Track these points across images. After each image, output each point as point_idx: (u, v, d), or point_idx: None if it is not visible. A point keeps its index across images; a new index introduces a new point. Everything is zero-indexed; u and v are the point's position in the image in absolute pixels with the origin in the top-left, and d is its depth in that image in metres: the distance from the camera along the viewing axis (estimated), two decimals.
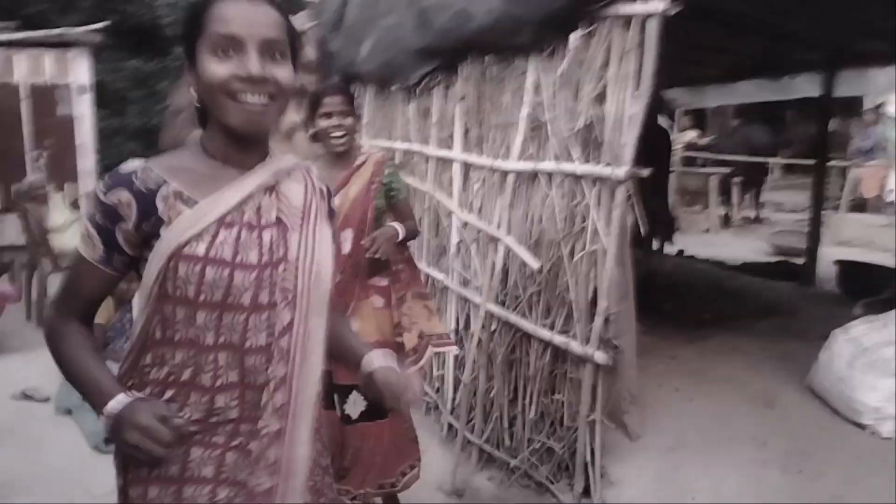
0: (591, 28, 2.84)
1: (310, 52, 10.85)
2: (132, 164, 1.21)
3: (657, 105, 8.00)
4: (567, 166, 2.97)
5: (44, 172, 6.60)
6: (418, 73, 4.17)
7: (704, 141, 12.01)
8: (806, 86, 6.89)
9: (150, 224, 1.18)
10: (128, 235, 1.19)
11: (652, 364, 3.78)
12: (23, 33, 6.53)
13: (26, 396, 4.36)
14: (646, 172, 2.73)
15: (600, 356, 2.78)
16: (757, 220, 11.10)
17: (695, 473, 2.85)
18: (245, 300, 1.21)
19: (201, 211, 1.19)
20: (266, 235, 1.24)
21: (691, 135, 12.21)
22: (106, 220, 1.18)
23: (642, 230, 2.97)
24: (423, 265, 4.23)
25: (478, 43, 3.55)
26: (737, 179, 10.80)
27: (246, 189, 1.23)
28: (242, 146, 1.25)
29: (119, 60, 14.63)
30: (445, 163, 4.08)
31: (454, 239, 3.90)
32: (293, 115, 10.88)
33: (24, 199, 5.89)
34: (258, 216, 1.24)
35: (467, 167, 3.85)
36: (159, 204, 1.18)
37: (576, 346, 2.87)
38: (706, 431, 3.11)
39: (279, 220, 1.26)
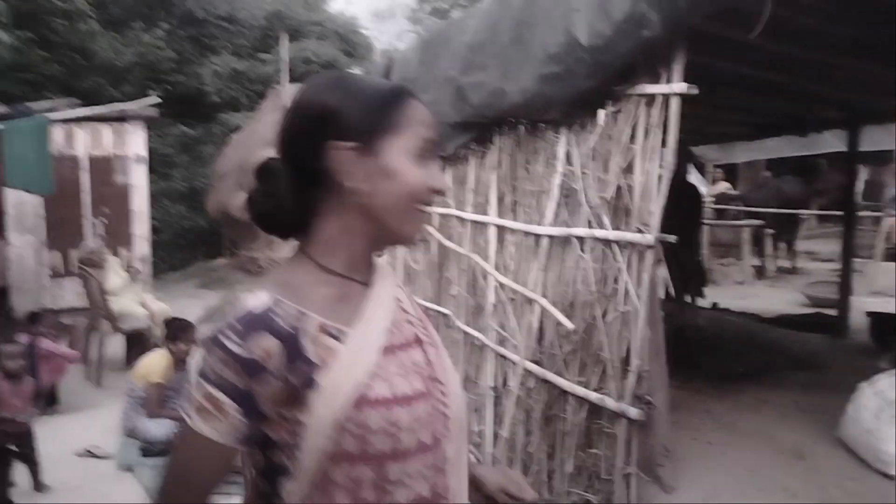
0: (618, 106, 3.09)
1: None
2: (261, 299, 0.96)
3: (686, 161, 8.23)
4: (599, 232, 3.19)
5: (101, 239, 7.00)
6: (455, 144, 4.45)
7: (735, 193, 12.13)
8: (833, 141, 7.06)
9: (297, 373, 0.94)
10: (274, 394, 0.93)
11: (685, 418, 3.90)
12: (85, 109, 7.03)
13: (90, 454, 4.60)
14: (673, 239, 2.93)
15: (634, 412, 2.94)
16: (793, 270, 11.10)
17: None
18: (426, 437, 1.02)
19: (361, 343, 0.99)
20: (416, 356, 1.08)
21: (722, 187, 12.34)
22: (244, 379, 0.91)
23: (671, 290, 3.15)
24: (460, 324, 4.45)
25: (511, 117, 3.83)
26: (769, 231, 10.86)
27: (389, 306, 1.06)
28: (372, 257, 1.09)
29: (166, 127, 15.38)
30: (481, 226, 4.32)
31: (491, 299, 4.11)
32: None
33: (84, 265, 6.26)
34: (402, 335, 1.07)
35: (502, 231, 4.08)
36: (307, 344, 0.95)
37: (611, 403, 3.04)
38: (738, 483, 3.21)
39: (416, 337, 1.10)
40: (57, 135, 7.40)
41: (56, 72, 13.01)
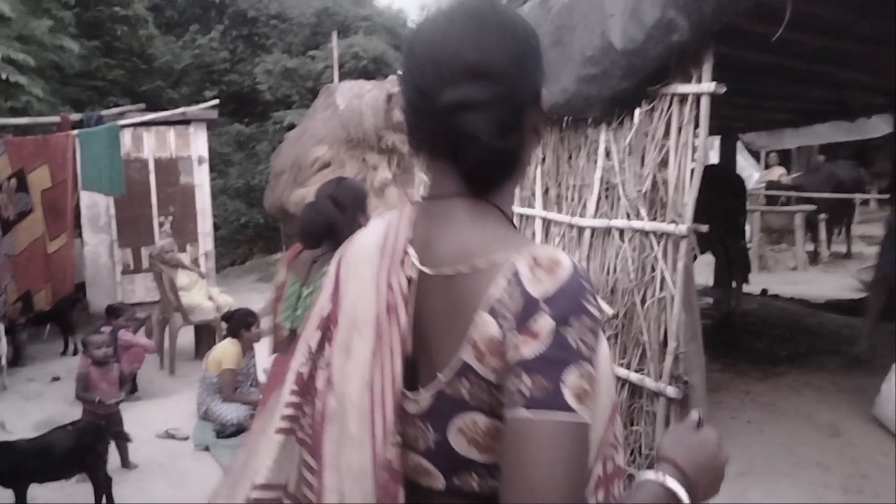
0: (652, 104, 3.28)
1: (399, 115, 11.56)
2: (563, 254, 0.83)
3: (732, 151, 8.27)
4: (636, 223, 3.38)
5: (171, 236, 7.44)
6: None
7: (789, 179, 12.02)
8: (882, 125, 7.04)
9: None
10: None
11: (727, 399, 4.07)
12: (151, 114, 7.46)
13: (169, 435, 4.99)
14: (704, 228, 3.11)
15: (671, 390, 3.14)
16: (847, 255, 10.98)
17: (762, 496, 3.14)
18: None
19: None
20: None
21: (777, 173, 12.23)
22: (596, 344, 0.81)
23: (717, 277, 3.34)
24: None
25: (554, 116, 4.04)
26: (822, 216, 10.76)
27: None
28: None
29: (222, 125, 15.95)
30: (528, 219, 4.55)
31: None
32: (385, 171, 11.63)
33: (156, 261, 6.69)
34: None
35: (548, 223, 4.30)
36: None
37: (650, 382, 3.25)
38: (774, 458, 3.39)
39: None
40: (126, 139, 7.87)
41: (118, 76, 13.65)
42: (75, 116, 6.95)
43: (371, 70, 16.24)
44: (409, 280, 0.90)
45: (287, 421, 0.98)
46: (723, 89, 2.95)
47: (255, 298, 10.64)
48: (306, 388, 0.98)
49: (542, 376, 0.76)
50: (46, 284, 6.30)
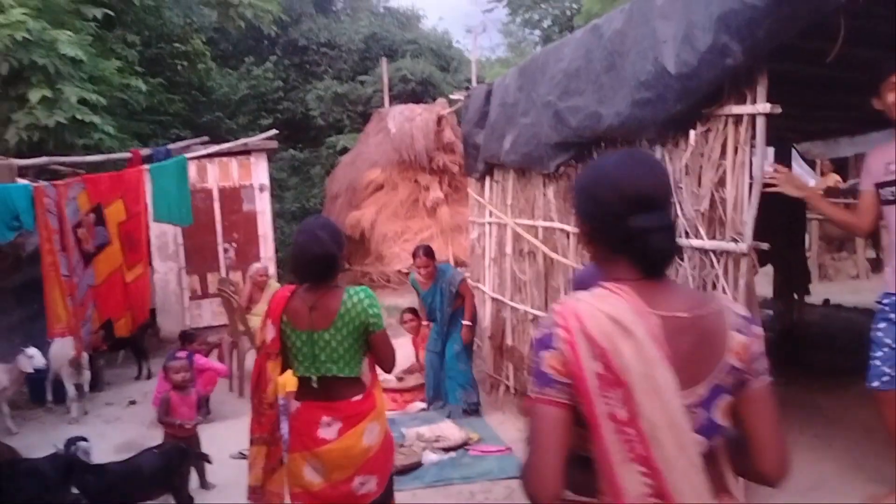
0: (707, 125, 3.35)
1: (449, 135, 11.77)
2: None
3: (788, 161, 8.18)
4: (696, 242, 3.45)
5: (265, 264, 7.71)
6: (555, 162, 4.79)
7: (845, 186, 11.75)
8: None
9: None
10: None
11: (792, 413, 4.05)
12: (215, 146, 7.78)
13: (242, 456, 5.16)
14: (765, 246, 3.16)
15: None
16: None
17: None
18: None
19: None
20: None
21: (832, 180, 11.99)
22: None
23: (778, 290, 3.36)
24: None
25: (608, 137, 4.14)
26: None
27: None
28: None
29: (277, 152, 16.39)
30: None
31: None
32: (437, 191, 11.81)
33: (224, 286, 6.97)
34: None
35: None
36: None
37: None
38: (844, 474, 3.38)
39: None
40: (191, 170, 8.21)
41: (180, 110, 14.18)
42: (145, 151, 7.30)
43: (419, 92, 16.53)
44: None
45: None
46: (778, 110, 3.01)
47: None
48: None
49: (766, 358, 1.40)
50: (126, 312, 6.60)
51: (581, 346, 1.28)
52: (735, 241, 3.21)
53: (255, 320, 6.68)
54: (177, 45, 13.78)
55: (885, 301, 3.25)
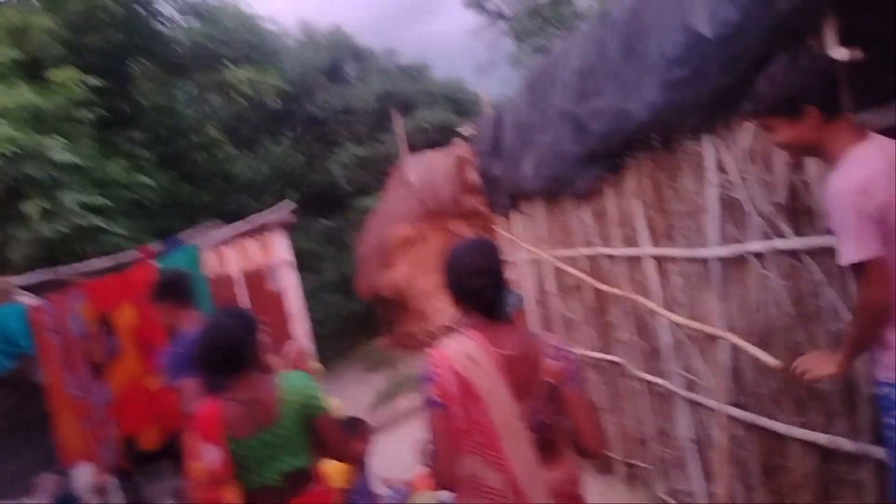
0: None
1: (472, 175, 11.19)
2: None
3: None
4: (779, 242, 2.70)
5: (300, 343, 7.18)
6: (584, 179, 4.11)
7: None
8: None
9: None
10: None
11: None
12: (227, 228, 7.34)
13: None
14: None
15: (879, 450, 2.38)
16: None
17: None
18: None
19: None
20: None
21: None
22: None
23: None
24: (637, 371, 4.01)
25: (641, 136, 3.44)
26: None
27: None
28: None
29: (309, 224, 16.11)
30: (634, 260, 3.91)
31: (666, 340, 3.66)
32: (469, 234, 11.21)
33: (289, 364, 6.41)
34: None
35: (661, 261, 3.65)
36: None
37: (846, 444, 2.49)
38: None
39: None
40: (209, 258, 7.77)
41: (207, 201, 14.02)
42: (156, 246, 6.90)
43: (440, 140, 16.17)
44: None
45: None
46: (859, 55, 2.28)
47: (365, 391, 10.30)
48: None
49: (577, 371, 2.14)
50: (152, 424, 6.08)
51: (450, 377, 1.94)
52: (832, 233, 2.46)
53: None
54: (193, 136, 13.68)
55: None
